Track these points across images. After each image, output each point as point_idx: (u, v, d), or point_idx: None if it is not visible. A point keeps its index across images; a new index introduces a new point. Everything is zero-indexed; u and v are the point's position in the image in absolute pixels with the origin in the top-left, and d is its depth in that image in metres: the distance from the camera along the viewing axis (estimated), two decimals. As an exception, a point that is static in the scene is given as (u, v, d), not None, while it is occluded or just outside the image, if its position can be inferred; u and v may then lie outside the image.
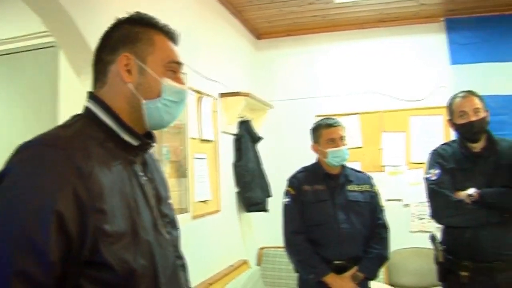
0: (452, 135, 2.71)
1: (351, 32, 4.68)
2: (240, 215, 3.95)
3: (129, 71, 1.15)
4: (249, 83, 4.34)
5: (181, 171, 2.90)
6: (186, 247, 2.82)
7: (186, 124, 2.98)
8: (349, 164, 2.88)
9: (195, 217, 3.02)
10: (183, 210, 2.89)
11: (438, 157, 2.61)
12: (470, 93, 2.54)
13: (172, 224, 1.28)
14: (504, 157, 2.47)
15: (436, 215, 2.56)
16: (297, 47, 4.77)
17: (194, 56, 3.15)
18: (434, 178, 2.54)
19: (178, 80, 1.21)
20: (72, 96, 2.22)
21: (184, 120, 2.96)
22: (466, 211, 2.39)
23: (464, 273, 2.40)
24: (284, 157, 4.31)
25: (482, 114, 2.47)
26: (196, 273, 2.91)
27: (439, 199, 2.51)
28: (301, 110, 4.53)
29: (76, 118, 1.14)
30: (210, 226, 3.30)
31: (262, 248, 4.41)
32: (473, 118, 2.45)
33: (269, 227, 4.11)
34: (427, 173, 2.61)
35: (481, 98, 2.52)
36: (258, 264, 4.34)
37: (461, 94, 2.55)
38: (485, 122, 2.49)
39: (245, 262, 3.88)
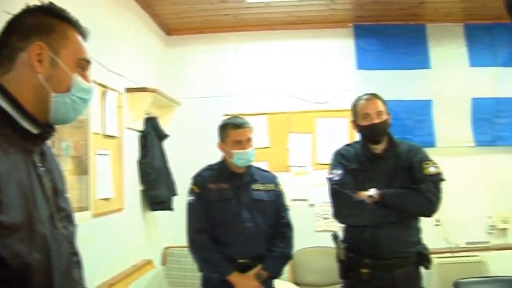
0: (357, 137, 2.88)
1: (262, 33, 4.79)
2: (145, 213, 3.91)
3: (40, 61, 1.14)
4: (158, 79, 4.31)
5: (82, 167, 2.85)
6: (86, 246, 2.78)
7: (89, 119, 2.91)
8: (255, 164, 2.95)
9: (96, 215, 2.96)
10: (83, 208, 2.83)
11: (341, 158, 2.73)
12: (374, 96, 2.69)
13: (69, 219, 1.26)
14: (403, 159, 2.64)
15: (338, 215, 2.67)
16: (208, 45, 4.81)
17: (99, 48, 3.03)
18: (336, 178, 2.65)
19: (86, 78, 1.22)
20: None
21: (86, 114, 2.88)
22: (367, 211, 2.53)
23: (364, 270, 2.55)
24: (191, 155, 4.31)
25: (384, 117, 2.62)
26: (96, 273, 2.87)
27: (341, 199, 2.62)
28: (209, 109, 4.56)
29: None
30: (112, 224, 3.25)
31: (167, 248, 4.41)
32: (376, 121, 2.59)
33: (174, 226, 4.11)
34: (330, 173, 2.72)
35: (383, 101, 2.68)
36: (163, 264, 4.33)
37: (365, 97, 2.70)
38: (387, 124, 2.65)
39: (149, 262, 3.84)
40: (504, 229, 4.73)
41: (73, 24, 1.21)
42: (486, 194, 4.79)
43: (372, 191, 2.54)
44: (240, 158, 2.74)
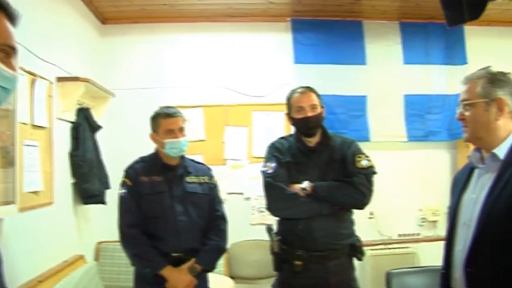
0: (293, 131, 2.94)
1: (199, 24, 4.81)
2: (76, 207, 3.86)
3: None
4: (91, 69, 4.24)
5: (8, 159, 2.78)
6: (12, 242, 2.75)
7: (15, 108, 2.82)
8: (191, 157, 2.97)
9: (23, 209, 2.87)
10: (9, 202, 2.73)
11: (274, 151, 2.78)
12: (308, 89, 2.75)
13: None
14: (336, 152, 2.72)
15: (271, 208, 2.73)
16: (144, 35, 4.79)
17: (28, 34, 2.99)
18: (270, 171, 2.70)
19: (10, 65, 1.13)
20: None
21: (12, 103, 2.79)
22: (299, 203, 2.60)
23: (298, 262, 2.60)
24: (125, 147, 4.27)
25: (318, 110, 2.69)
26: (24, 269, 2.83)
27: (274, 192, 2.67)
28: (144, 100, 4.53)
29: None
30: (42, 219, 3.18)
31: (100, 243, 4.38)
32: (310, 114, 2.66)
33: (107, 220, 4.03)
34: (263, 166, 2.77)
35: (318, 94, 2.74)
36: (96, 259, 4.29)
37: (299, 90, 2.76)
38: (321, 118, 2.72)
39: (81, 257, 3.79)
40: (434, 221, 5.01)
41: (2, 7, 1.13)
42: (417, 187, 5.05)
43: (305, 184, 2.61)
44: (172, 148, 2.75)
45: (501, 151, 1.82)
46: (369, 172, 2.70)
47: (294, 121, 2.76)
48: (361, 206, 2.69)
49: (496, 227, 1.73)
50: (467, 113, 1.88)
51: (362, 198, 2.65)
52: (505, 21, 5.23)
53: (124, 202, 2.77)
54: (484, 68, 1.93)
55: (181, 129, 2.78)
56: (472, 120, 1.86)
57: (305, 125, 2.70)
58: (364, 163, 2.69)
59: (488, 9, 4.76)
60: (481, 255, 1.77)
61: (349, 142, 2.80)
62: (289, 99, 2.79)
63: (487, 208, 1.77)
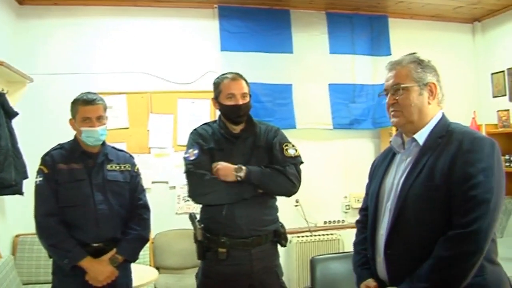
0: (217, 117, 2.92)
1: (124, 8, 4.73)
2: (-10, 198, 3.75)
3: None
4: (7, 52, 4.05)
5: None
6: None
7: None
8: (113, 145, 2.92)
9: None
10: None
11: (198, 137, 2.76)
12: (239, 76, 2.73)
13: None
14: (261, 138, 2.75)
15: (192, 194, 2.70)
16: (65, 18, 4.62)
17: None
18: (192, 158, 2.69)
19: None
20: None
21: None
22: (220, 189, 2.60)
23: (221, 250, 2.61)
24: (45, 135, 4.04)
25: (248, 98, 2.71)
26: None
27: (195, 178, 2.66)
28: (65, 86, 4.38)
29: None
30: None
31: (17, 236, 4.25)
32: (241, 102, 2.66)
33: (25, 212, 3.90)
34: (185, 152, 2.75)
35: (247, 82, 2.75)
36: (13, 253, 4.16)
37: (230, 76, 2.72)
38: (250, 106, 2.73)
39: (-4, 252, 3.71)
40: (359, 208, 5.16)
41: None
42: (342, 175, 5.23)
43: (239, 167, 2.60)
44: (88, 137, 2.69)
45: (420, 137, 1.91)
46: (297, 161, 2.75)
47: (222, 107, 2.74)
48: (289, 195, 2.74)
49: (410, 211, 1.82)
50: (400, 98, 1.93)
51: (291, 187, 2.69)
52: (426, 15, 5.49)
53: (40, 191, 2.68)
54: (409, 54, 2.00)
55: (100, 118, 2.71)
56: (407, 104, 1.91)
57: (234, 112, 2.70)
58: (291, 152, 2.74)
59: (410, 3, 5.04)
60: (398, 238, 1.86)
61: (274, 130, 2.83)
62: (218, 84, 2.75)
63: (403, 193, 1.86)
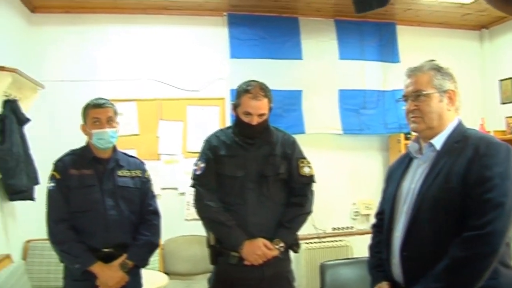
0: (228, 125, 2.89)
1: (134, 16, 4.75)
2: (2, 204, 3.72)
3: None
4: (19, 59, 4.06)
5: None
6: None
7: None
8: (124, 151, 2.93)
9: None
10: None
11: (207, 148, 2.77)
12: (263, 93, 2.65)
13: None
14: (277, 147, 2.73)
15: (195, 208, 2.77)
16: (77, 26, 4.65)
17: None
18: (198, 172, 2.73)
19: None
20: None
21: None
22: (212, 214, 2.64)
23: (234, 254, 2.60)
24: (56, 141, 4.14)
25: (265, 117, 2.67)
26: None
27: (196, 194, 2.74)
28: (76, 93, 4.39)
29: None
30: None
31: (28, 241, 4.24)
32: (255, 123, 2.63)
33: (36, 217, 3.90)
34: (195, 162, 2.79)
35: (270, 96, 2.69)
36: (24, 258, 4.15)
37: (253, 92, 2.63)
38: (265, 122, 2.71)
39: (7, 257, 3.67)
40: (367, 214, 5.19)
41: None
42: (350, 182, 5.21)
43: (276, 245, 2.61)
44: (99, 139, 2.69)
45: (438, 142, 1.93)
46: (311, 181, 2.78)
47: (238, 119, 2.72)
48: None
49: (427, 214, 1.85)
50: (420, 104, 1.95)
51: (308, 214, 2.79)
52: (434, 22, 5.48)
53: (52, 196, 2.69)
54: (428, 61, 2.02)
55: (110, 120, 2.72)
56: (428, 110, 1.93)
57: (247, 130, 2.69)
58: (306, 170, 2.75)
59: (418, 10, 5.03)
60: (414, 240, 1.89)
61: (291, 141, 2.82)
62: (239, 94, 2.70)
63: (420, 196, 1.89)
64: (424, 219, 1.85)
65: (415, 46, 5.29)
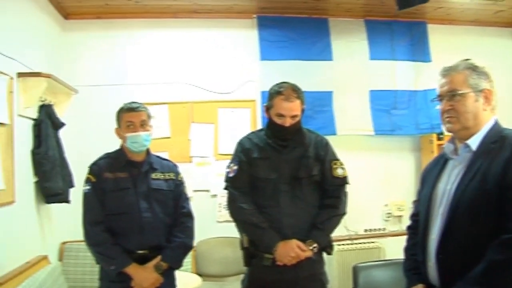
0: (258, 127, 2.87)
1: (164, 20, 4.80)
2: (39, 206, 3.78)
3: None
4: (53, 65, 4.17)
5: (-34, 156, 2.73)
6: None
7: None
8: (156, 154, 2.96)
9: None
10: None
11: (239, 151, 2.79)
12: (295, 95, 2.66)
13: None
14: (310, 149, 2.74)
15: (228, 210, 2.81)
16: (108, 31, 4.73)
17: None
18: (231, 174, 2.76)
19: None
20: None
21: None
22: (246, 215, 2.66)
23: (268, 256, 2.61)
24: (90, 145, 4.21)
25: (298, 118, 2.68)
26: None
27: (229, 196, 2.76)
28: (109, 97, 4.46)
29: None
30: (3, 218, 3.11)
31: (64, 243, 4.31)
32: (288, 124, 2.65)
33: (72, 219, 4.00)
34: (228, 165, 2.81)
35: (303, 97, 2.70)
36: (60, 259, 4.23)
37: (285, 93, 2.65)
38: (298, 125, 2.72)
39: (44, 258, 3.73)
40: (400, 216, 5.13)
41: None
42: (382, 183, 5.15)
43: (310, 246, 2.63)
44: (133, 142, 2.74)
45: (474, 143, 1.90)
46: (344, 183, 2.78)
47: (270, 121, 2.74)
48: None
49: (463, 216, 1.81)
50: (456, 104, 1.92)
51: (342, 216, 2.79)
52: (466, 20, 5.39)
53: (87, 199, 2.74)
54: (463, 60, 1.99)
55: (143, 123, 2.77)
56: (463, 110, 1.91)
57: (280, 132, 2.70)
58: (339, 171, 2.76)
59: (449, 8, 4.96)
60: (451, 242, 1.85)
61: (325, 143, 2.83)
62: (271, 96, 2.71)
63: (456, 198, 1.86)
64: (461, 222, 1.82)
65: (446, 45, 5.21)
